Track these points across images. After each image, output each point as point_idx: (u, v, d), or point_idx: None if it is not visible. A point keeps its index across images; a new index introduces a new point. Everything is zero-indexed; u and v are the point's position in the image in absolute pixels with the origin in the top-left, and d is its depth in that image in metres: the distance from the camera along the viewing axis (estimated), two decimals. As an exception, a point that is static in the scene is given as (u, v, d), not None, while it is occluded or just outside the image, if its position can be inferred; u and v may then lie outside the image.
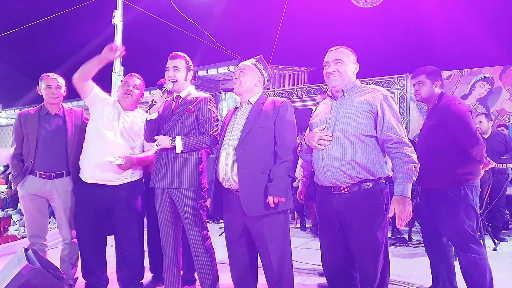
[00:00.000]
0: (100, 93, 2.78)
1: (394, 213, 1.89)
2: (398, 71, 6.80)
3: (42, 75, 2.86)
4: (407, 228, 4.57)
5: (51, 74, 2.86)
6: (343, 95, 2.10)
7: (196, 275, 2.66)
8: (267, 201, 2.12)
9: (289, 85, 8.56)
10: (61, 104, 2.90)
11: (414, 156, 1.93)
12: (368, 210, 1.98)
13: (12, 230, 6.07)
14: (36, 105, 2.93)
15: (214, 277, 2.52)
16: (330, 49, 2.16)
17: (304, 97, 7.62)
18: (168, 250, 2.54)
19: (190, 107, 2.49)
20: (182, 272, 2.79)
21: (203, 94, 2.60)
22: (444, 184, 2.37)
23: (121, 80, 2.82)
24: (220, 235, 4.90)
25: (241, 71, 2.33)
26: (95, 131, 2.69)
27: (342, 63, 2.09)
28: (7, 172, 12.45)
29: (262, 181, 2.15)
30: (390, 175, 2.03)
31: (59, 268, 2.77)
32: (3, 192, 9.17)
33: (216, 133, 2.50)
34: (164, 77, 2.58)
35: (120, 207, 2.69)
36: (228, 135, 2.31)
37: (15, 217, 6.36)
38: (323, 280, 2.91)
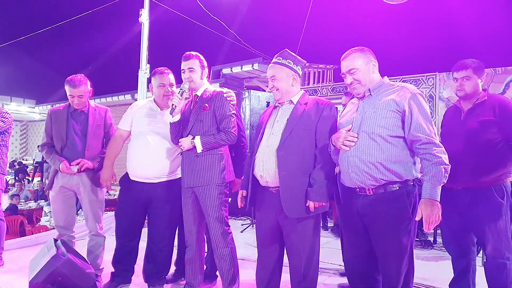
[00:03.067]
0: (125, 120, 2.85)
1: (422, 217, 1.83)
2: (427, 70, 6.62)
3: (67, 79, 2.88)
4: (432, 231, 4.46)
5: (74, 82, 2.84)
6: (370, 94, 2.05)
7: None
8: (307, 205, 2.11)
9: (313, 83, 8.47)
10: (87, 102, 2.98)
11: (445, 157, 1.85)
12: (394, 213, 1.92)
13: (43, 221, 6.32)
14: (67, 100, 3.02)
15: (235, 272, 2.55)
16: (341, 57, 2.10)
17: (329, 95, 7.53)
18: (192, 245, 2.59)
19: (206, 104, 2.51)
20: (205, 267, 2.83)
21: (218, 90, 2.60)
22: (487, 183, 2.27)
23: (153, 79, 2.79)
24: (242, 231, 4.94)
25: (273, 79, 2.26)
26: (134, 134, 2.79)
27: (356, 70, 2.03)
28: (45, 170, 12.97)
29: (303, 183, 2.13)
30: (419, 177, 1.97)
31: (86, 258, 2.87)
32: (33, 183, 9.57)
33: (234, 129, 2.51)
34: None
35: (156, 203, 2.75)
36: (267, 133, 2.28)
37: (46, 209, 6.62)
38: (344, 280, 2.88)
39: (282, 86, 2.25)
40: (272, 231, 2.29)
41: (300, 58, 2.31)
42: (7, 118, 3.43)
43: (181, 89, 2.49)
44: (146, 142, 2.69)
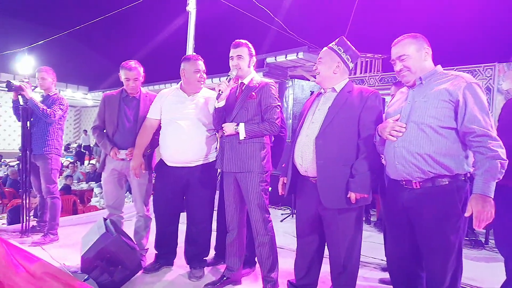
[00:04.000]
0: (154, 109, 2.91)
1: (472, 214, 1.73)
2: (485, 60, 6.17)
3: (122, 63, 3.01)
4: (484, 231, 4.21)
5: (129, 66, 2.97)
6: (421, 82, 1.95)
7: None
8: (348, 196, 2.07)
9: (361, 72, 8.19)
10: (139, 88, 3.10)
11: (502, 152, 1.72)
12: (441, 209, 1.83)
13: (93, 201, 6.73)
14: (119, 87, 3.15)
15: (274, 260, 2.57)
16: (393, 43, 2.01)
17: (376, 86, 7.28)
18: (233, 230, 2.64)
19: (253, 93, 2.54)
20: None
21: (265, 80, 2.62)
22: None
23: (187, 65, 2.84)
24: (281, 221, 4.95)
25: (319, 60, 2.29)
26: (165, 122, 2.86)
27: (407, 56, 1.93)
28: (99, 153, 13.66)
29: (342, 174, 2.10)
30: (472, 172, 1.85)
31: (132, 238, 3.02)
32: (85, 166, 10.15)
33: (278, 120, 2.51)
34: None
35: (194, 187, 2.83)
36: (308, 121, 2.27)
37: (96, 190, 7.03)
38: (385, 275, 2.81)
39: (322, 69, 2.24)
40: (312, 220, 2.27)
41: (355, 49, 2.26)
42: (63, 104, 3.68)
43: (228, 75, 2.54)
44: (179, 127, 2.76)
